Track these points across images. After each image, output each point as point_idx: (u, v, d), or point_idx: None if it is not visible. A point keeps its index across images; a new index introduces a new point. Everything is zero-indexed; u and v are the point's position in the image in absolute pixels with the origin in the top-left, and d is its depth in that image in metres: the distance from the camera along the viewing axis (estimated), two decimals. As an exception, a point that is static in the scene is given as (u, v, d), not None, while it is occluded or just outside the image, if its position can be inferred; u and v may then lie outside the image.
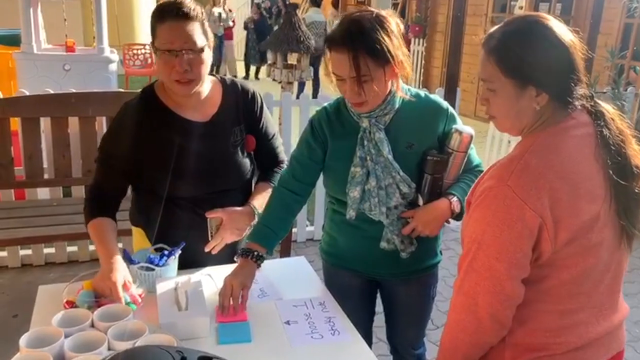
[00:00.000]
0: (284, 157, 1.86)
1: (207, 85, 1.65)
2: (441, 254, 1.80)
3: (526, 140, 1.20)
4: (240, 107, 1.71)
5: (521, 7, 7.64)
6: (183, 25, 1.49)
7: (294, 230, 3.76)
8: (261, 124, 1.76)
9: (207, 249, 1.67)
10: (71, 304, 1.43)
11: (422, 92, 1.66)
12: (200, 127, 1.64)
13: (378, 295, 1.89)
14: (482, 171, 1.65)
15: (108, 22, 4.62)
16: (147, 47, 9.59)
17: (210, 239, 1.67)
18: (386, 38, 1.44)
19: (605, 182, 1.16)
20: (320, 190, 3.95)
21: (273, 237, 1.63)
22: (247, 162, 1.73)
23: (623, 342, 1.31)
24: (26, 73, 4.19)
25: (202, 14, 1.55)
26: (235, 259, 1.59)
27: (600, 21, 4.91)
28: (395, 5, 9.70)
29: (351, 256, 1.73)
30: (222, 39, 10.96)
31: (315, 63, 9.76)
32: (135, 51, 9.24)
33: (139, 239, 1.78)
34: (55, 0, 5.76)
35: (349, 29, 1.45)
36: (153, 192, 1.65)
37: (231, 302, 1.47)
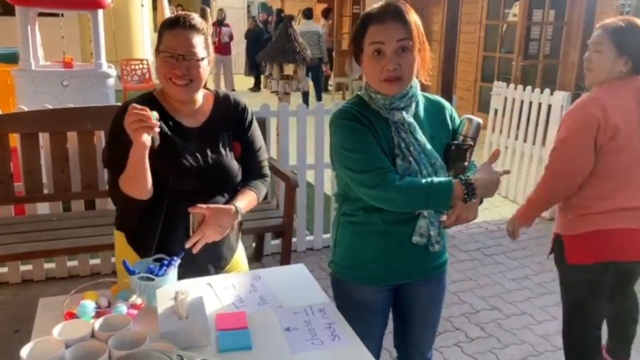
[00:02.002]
0: (268, 172, 1.91)
1: (200, 96, 1.75)
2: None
3: (600, 88, 2.08)
4: (230, 115, 1.80)
5: (515, 15, 7.70)
6: (189, 34, 1.62)
7: (293, 239, 3.76)
8: (249, 135, 1.83)
9: (187, 245, 1.65)
10: (72, 315, 1.43)
11: (426, 93, 1.73)
12: (193, 132, 1.72)
13: None
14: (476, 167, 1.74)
15: (105, 38, 4.66)
16: (145, 62, 9.66)
17: (191, 234, 1.65)
18: (420, 22, 1.55)
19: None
20: (319, 199, 3.97)
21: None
22: (235, 165, 1.78)
23: None
24: (25, 89, 4.22)
25: (208, 29, 1.67)
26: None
27: (593, 27, 4.95)
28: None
29: (376, 266, 1.69)
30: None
31: (311, 72, 9.93)
32: (132, 66, 9.30)
33: (120, 245, 1.80)
34: (53, 18, 5.81)
35: (398, 4, 1.53)
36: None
37: None
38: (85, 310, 1.43)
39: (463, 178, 1.53)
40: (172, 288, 1.56)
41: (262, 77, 11.67)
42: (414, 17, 1.53)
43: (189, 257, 1.67)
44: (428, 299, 1.82)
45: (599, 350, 2.34)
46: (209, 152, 1.72)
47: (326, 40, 11.35)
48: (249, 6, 17.09)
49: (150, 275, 1.57)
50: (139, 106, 1.47)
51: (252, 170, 1.85)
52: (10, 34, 5.23)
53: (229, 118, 1.79)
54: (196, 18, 1.65)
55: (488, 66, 8.12)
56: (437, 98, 1.74)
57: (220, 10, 12.07)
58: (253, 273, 1.82)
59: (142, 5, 11.10)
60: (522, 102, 5.04)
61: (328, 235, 4.06)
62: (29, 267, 3.38)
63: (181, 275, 1.67)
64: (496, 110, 5.38)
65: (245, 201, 1.76)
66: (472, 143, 1.66)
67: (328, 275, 3.47)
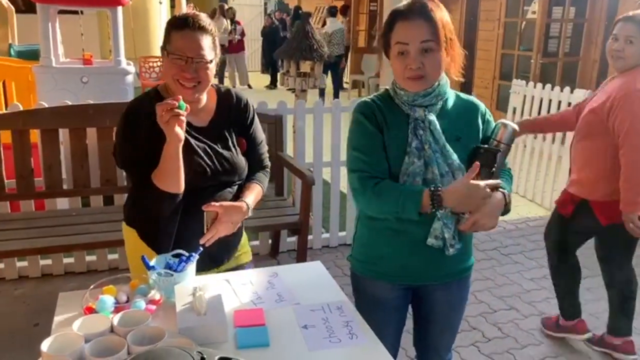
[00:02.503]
0: (269, 163, 1.97)
1: (204, 94, 1.76)
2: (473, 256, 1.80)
3: (632, 72, 2.39)
4: (232, 112, 1.82)
5: (534, 12, 7.60)
6: (198, 36, 1.62)
7: (309, 237, 3.76)
8: (251, 130, 1.87)
9: (201, 242, 1.70)
10: (91, 310, 1.45)
11: (461, 93, 1.69)
12: (202, 130, 1.75)
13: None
14: (511, 174, 1.74)
15: (124, 35, 4.69)
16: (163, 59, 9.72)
17: (205, 231, 1.71)
18: (449, 19, 1.55)
19: None
20: (335, 197, 3.96)
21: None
22: (243, 160, 1.82)
23: None
24: (45, 86, 4.26)
25: (215, 30, 1.67)
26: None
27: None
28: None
29: (390, 263, 1.68)
30: (227, 49, 11.22)
31: (331, 69, 9.98)
32: (151, 64, 9.36)
33: (133, 241, 1.81)
34: (73, 15, 5.87)
35: (424, 2, 1.52)
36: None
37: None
38: (104, 305, 1.44)
39: (432, 188, 1.50)
40: (191, 284, 1.57)
41: (278, 74, 11.69)
42: (441, 15, 1.52)
43: (204, 250, 1.71)
44: (447, 304, 1.78)
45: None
46: (219, 150, 1.75)
47: (346, 36, 11.40)
48: (265, 4, 17.12)
49: (168, 271, 1.58)
50: (166, 101, 1.51)
51: (255, 164, 1.89)
52: (32, 31, 5.29)
53: (232, 115, 1.82)
54: (204, 19, 1.65)
55: (506, 64, 8.03)
56: (471, 98, 1.69)
57: (230, 8, 12.11)
58: (270, 270, 1.82)
59: (160, 3, 11.19)
60: (541, 101, 4.97)
61: (344, 233, 4.06)
62: (49, 261, 3.42)
63: (197, 267, 1.69)
64: (515, 109, 5.32)
65: (253, 196, 1.83)
66: (499, 149, 1.60)
67: (344, 273, 3.50)
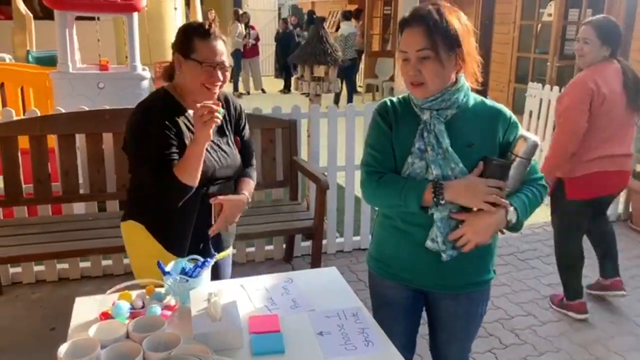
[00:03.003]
0: (255, 160, 2.12)
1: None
2: (494, 272, 1.74)
3: (590, 68, 2.84)
4: (230, 113, 1.99)
5: (550, 14, 7.54)
6: (220, 44, 1.81)
7: (323, 242, 3.75)
8: (244, 132, 2.04)
9: (211, 232, 1.89)
10: (107, 315, 1.45)
11: (488, 100, 1.67)
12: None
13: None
14: (544, 186, 1.67)
15: (140, 41, 4.73)
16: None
17: (213, 222, 1.88)
18: (457, 25, 1.52)
19: (621, 87, 2.82)
20: (349, 201, 3.95)
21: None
22: (239, 157, 1.97)
23: (626, 166, 2.97)
24: (62, 92, 4.31)
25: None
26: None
27: (633, 26, 4.81)
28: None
29: (398, 264, 1.70)
30: (240, 53, 11.38)
31: (347, 72, 10.02)
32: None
33: (140, 235, 1.87)
34: (90, 22, 5.94)
35: (425, 8, 1.53)
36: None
37: None
38: (120, 311, 1.44)
39: (436, 180, 1.53)
40: (206, 289, 1.57)
41: (292, 79, 11.73)
42: (446, 21, 1.50)
43: (209, 238, 1.89)
44: (454, 315, 1.76)
45: (583, 260, 3.18)
46: (222, 146, 1.90)
47: (359, 40, 11.42)
48: (279, 9, 17.19)
49: (184, 277, 1.58)
50: (208, 102, 1.67)
51: (246, 161, 2.04)
52: (49, 37, 5.36)
53: (230, 116, 1.98)
54: (217, 27, 1.83)
55: (522, 67, 7.97)
56: (496, 106, 1.65)
57: (245, 13, 12.20)
58: (285, 275, 1.81)
59: (175, 9, 11.24)
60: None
61: (358, 238, 4.04)
62: (65, 265, 3.45)
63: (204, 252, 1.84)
64: (531, 112, 5.27)
65: (249, 190, 2.01)
66: (507, 163, 1.55)
67: (359, 278, 3.48)
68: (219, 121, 1.69)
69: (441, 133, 1.55)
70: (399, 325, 1.77)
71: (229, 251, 2.11)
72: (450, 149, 1.55)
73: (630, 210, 4.68)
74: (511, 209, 1.55)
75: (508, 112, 1.65)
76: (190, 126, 1.81)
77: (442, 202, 1.52)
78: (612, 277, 3.29)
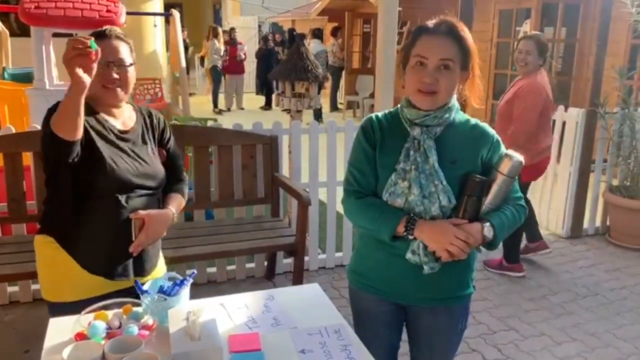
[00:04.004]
0: (186, 175, 2.07)
1: (127, 108, 1.88)
2: (474, 287, 1.74)
3: (532, 76, 3.50)
4: (152, 123, 1.93)
5: (525, 32, 7.69)
6: (121, 45, 1.78)
7: (305, 258, 3.72)
8: (169, 145, 1.98)
9: (131, 250, 1.78)
10: (82, 336, 1.41)
11: (473, 119, 1.68)
12: (123, 133, 1.80)
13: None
14: (523, 206, 1.68)
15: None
16: (157, 82, 9.75)
17: (133, 239, 1.77)
18: (472, 48, 1.57)
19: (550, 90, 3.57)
20: (331, 217, 3.94)
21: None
22: (162, 168, 1.90)
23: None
24: (38, 108, 4.23)
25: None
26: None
27: (607, 43, 4.92)
28: (400, 34, 9.83)
29: (377, 276, 1.69)
30: (218, 70, 11.58)
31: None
32: (145, 86, 9.38)
33: (51, 249, 1.76)
34: (67, 38, 5.88)
35: (452, 21, 1.55)
36: (82, 192, 1.72)
37: None
38: (96, 331, 1.40)
39: (412, 214, 1.55)
40: (184, 308, 1.53)
41: (273, 95, 11.78)
42: (467, 38, 1.55)
43: (130, 258, 1.79)
44: (432, 329, 1.74)
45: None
46: (141, 154, 1.82)
47: (338, 57, 11.55)
48: (259, 26, 17.28)
49: (162, 295, 1.54)
50: (79, 38, 1.46)
51: (174, 176, 1.99)
52: (25, 54, 5.29)
53: (152, 126, 1.92)
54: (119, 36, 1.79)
55: (500, 83, 8.09)
56: (482, 125, 1.67)
57: (232, 29, 12.26)
58: (266, 293, 1.78)
59: (155, 26, 11.24)
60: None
61: (340, 254, 4.02)
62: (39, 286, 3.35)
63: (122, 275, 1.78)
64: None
65: (177, 205, 1.94)
66: (487, 180, 1.56)
67: (341, 295, 3.46)
68: (93, 63, 1.47)
69: (430, 149, 1.56)
70: (379, 339, 1.76)
71: (159, 273, 1.93)
72: (436, 165, 1.55)
73: (608, 223, 4.74)
74: (487, 225, 1.55)
75: (492, 131, 1.67)
76: (98, 126, 1.72)
77: (411, 237, 1.55)
78: (537, 241, 4.10)
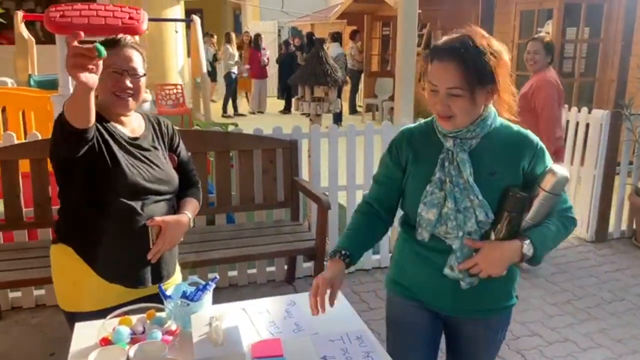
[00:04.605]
0: (198, 179, 2.07)
1: (136, 116, 1.88)
2: (517, 297, 1.69)
3: (542, 72, 3.78)
4: (161, 130, 1.93)
5: (548, 33, 7.60)
6: (134, 54, 1.77)
7: (325, 263, 3.71)
8: (179, 150, 1.98)
9: (149, 257, 1.78)
10: (107, 341, 1.43)
11: (515, 126, 1.60)
12: (134, 140, 1.80)
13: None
14: (572, 218, 1.59)
15: (141, 64, 4.75)
16: (179, 87, 9.86)
17: (151, 246, 1.77)
18: (492, 60, 1.45)
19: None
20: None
21: (356, 244, 1.66)
22: (174, 172, 1.90)
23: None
24: (63, 115, 4.32)
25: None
26: (325, 262, 1.64)
27: (632, 44, 4.83)
28: (420, 37, 9.78)
29: (416, 287, 1.67)
30: (232, 76, 11.65)
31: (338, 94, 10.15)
32: (167, 91, 9.49)
33: (68, 259, 1.76)
34: (91, 45, 5.98)
35: (458, 40, 1.46)
36: (96, 200, 1.71)
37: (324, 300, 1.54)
38: (120, 336, 1.42)
39: (343, 252, 1.63)
40: (207, 313, 1.54)
41: (293, 99, 11.87)
42: (480, 60, 1.43)
43: (148, 265, 1.79)
44: (472, 340, 1.72)
45: None
46: (153, 159, 1.82)
47: (357, 60, 11.56)
48: (279, 31, 17.35)
49: (185, 301, 1.56)
50: (83, 47, 1.35)
51: (187, 180, 1.99)
52: (51, 61, 5.40)
53: (160, 132, 1.92)
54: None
55: (521, 85, 7.99)
56: (524, 133, 1.58)
57: (258, 35, 12.41)
58: (287, 298, 1.79)
59: (176, 32, 11.38)
60: (558, 121, 4.93)
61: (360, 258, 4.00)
62: (66, 289, 3.41)
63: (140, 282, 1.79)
64: (531, 130, 5.27)
65: (193, 210, 1.94)
66: (532, 196, 1.48)
67: (362, 299, 3.45)
68: (93, 66, 1.38)
69: (463, 162, 1.51)
70: (417, 351, 1.72)
71: (176, 279, 1.95)
72: (471, 179, 1.50)
73: (634, 227, 4.65)
74: (527, 242, 1.49)
75: (535, 138, 1.58)
76: (108, 134, 1.72)
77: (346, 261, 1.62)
78: None
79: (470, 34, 1.47)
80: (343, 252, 1.61)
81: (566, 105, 4.93)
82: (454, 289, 1.58)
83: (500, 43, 1.51)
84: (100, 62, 1.39)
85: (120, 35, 1.76)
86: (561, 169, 1.49)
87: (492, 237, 1.52)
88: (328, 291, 1.53)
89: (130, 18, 4.15)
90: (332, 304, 1.54)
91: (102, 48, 1.35)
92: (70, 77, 3.87)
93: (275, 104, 13.00)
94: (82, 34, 1.35)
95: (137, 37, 1.78)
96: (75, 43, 1.34)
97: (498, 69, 1.47)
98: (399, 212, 1.73)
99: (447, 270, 1.56)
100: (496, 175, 1.52)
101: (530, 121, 3.55)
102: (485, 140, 1.54)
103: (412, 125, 1.69)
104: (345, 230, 1.72)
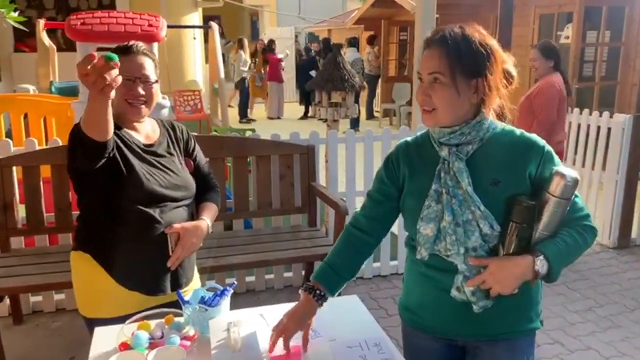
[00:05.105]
0: (216, 183, 2.07)
1: (150, 122, 1.88)
2: (541, 323, 1.56)
3: (545, 77, 3.91)
4: (176, 135, 1.93)
5: (567, 37, 7.51)
6: (146, 61, 1.77)
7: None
8: (195, 154, 1.98)
9: (169, 264, 1.77)
10: (126, 346, 1.43)
11: (519, 130, 1.47)
12: (149, 147, 1.80)
13: None
14: (590, 227, 1.43)
15: (160, 70, 4.80)
16: (197, 93, 9.95)
17: (170, 253, 1.77)
18: (482, 53, 1.36)
19: (565, 91, 3.96)
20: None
21: (335, 279, 1.57)
22: (191, 177, 1.89)
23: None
24: (84, 121, 4.38)
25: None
26: (299, 292, 1.57)
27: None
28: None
29: (426, 312, 1.54)
30: (245, 82, 11.74)
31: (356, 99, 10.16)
32: (185, 97, 9.58)
33: (87, 266, 1.77)
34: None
35: (448, 29, 1.39)
36: (113, 207, 1.71)
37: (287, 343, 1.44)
38: (139, 341, 1.42)
39: (310, 283, 1.57)
40: (225, 319, 1.54)
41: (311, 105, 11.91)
42: (468, 47, 1.35)
43: (168, 272, 1.79)
44: None
45: None
46: (169, 166, 1.81)
47: (374, 65, 11.55)
48: (296, 36, 17.44)
49: (203, 306, 1.56)
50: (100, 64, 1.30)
51: (205, 184, 1.98)
52: (71, 68, 5.49)
53: (176, 138, 1.92)
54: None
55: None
56: (528, 136, 1.45)
57: (271, 40, 12.48)
58: (305, 304, 1.77)
59: (195, 38, 11.49)
60: (579, 126, 4.86)
61: (378, 264, 3.99)
62: (85, 293, 3.44)
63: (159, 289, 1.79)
64: (551, 134, 5.21)
65: (211, 215, 1.93)
66: (540, 203, 1.35)
67: (379, 305, 3.42)
68: (112, 81, 1.33)
69: (460, 172, 1.39)
70: None
71: (195, 285, 1.94)
72: (469, 189, 1.37)
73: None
74: (540, 258, 1.35)
75: (541, 141, 1.44)
76: (122, 142, 1.71)
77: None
78: None
79: (465, 26, 1.39)
80: (318, 292, 1.52)
81: (576, 109, 4.88)
82: (467, 312, 1.44)
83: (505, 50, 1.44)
84: (116, 71, 1.35)
85: (132, 42, 1.75)
86: (569, 171, 1.36)
87: (501, 252, 1.39)
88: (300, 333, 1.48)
89: (150, 25, 4.20)
90: (305, 348, 1.46)
91: (113, 55, 1.32)
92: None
93: (293, 110, 13.02)
94: (95, 54, 1.31)
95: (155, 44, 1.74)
96: (94, 53, 1.31)
97: (489, 65, 1.36)
98: (405, 232, 1.60)
99: (454, 292, 1.43)
100: (500, 185, 1.39)
101: (529, 122, 3.76)
102: (484, 148, 1.42)
103: (410, 138, 1.58)
104: (327, 259, 1.63)
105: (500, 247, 1.39)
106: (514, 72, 1.46)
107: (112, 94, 1.37)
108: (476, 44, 1.36)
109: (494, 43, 1.40)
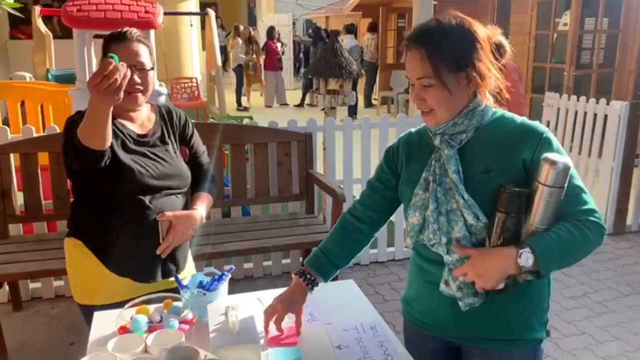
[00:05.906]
0: (213, 172, 2.04)
1: (146, 108, 1.85)
2: (547, 333, 1.44)
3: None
4: (172, 122, 1.90)
5: (566, 24, 7.49)
6: (141, 48, 1.76)
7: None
8: (192, 141, 1.95)
9: (159, 252, 1.77)
10: (125, 330, 1.45)
11: (520, 117, 1.39)
12: (142, 137, 1.78)
13: None
14: (592, 222, 1.28)
15: (156, 58, 4.79)
16: (194, 80, 9.91)
17: (161, 241, 1.77)
18: (465, 42, 1.30)
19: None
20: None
21: (327, 265, 1.57)
22: (186, 167, 1.87)
23: None
24: (81, 108, 4.37)
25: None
26: (292, 275, 1.58)
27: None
28: (435, 28, 9.71)
29: (420, 307, 1.52)
30: (242, 69, 11.70)
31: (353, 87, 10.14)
32: (182, 84, 9.55)
33: (80, 252, 1.78)
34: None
35: (424, 26, 1.34)
36: (105, 196, 1.71)
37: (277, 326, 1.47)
38: (138, 325, 1.44)
39: (301, 268, 1.56)
40: (223, 303, 1.56)
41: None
42: (449, 43, 1.29)
43: (158, 260, 1.79)
44: None
45: None
46: (162, 155, 1.80)
47: (374, 54, 11.51)
48: (294, 23, 17.35)
49: (201, 290, 1.58)
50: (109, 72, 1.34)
51: (201, 173, 1.96)
52: (68, 55, 5.46)
53: (172, 125, 1.89)
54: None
55: (538, 77, 7.91)
56: (529, 124, 1.36)
57: (272, 27, 12.37)
58: (302, 289, 1.79)
59: (191, 25, 11.43)
60: (576, 113, 4.87)
61: (375, 251, 4.01)
62: (84, 280, 3.46)
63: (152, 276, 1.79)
64: (548, 122, 5.22)
65: (205, 204, 1.91)
66: (529, 191, 1.25)
67: (376, 291, 3.45)
68: (120, 81, 1.37)
69: (449, 159, 1.33)
70: None
71: (187, 274, 1.87)
72: (454, 177, 1.31)
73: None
74: (526, 250, 1.22)
75: (541, 128, 1.34)
76: (116, 133, 1.70)
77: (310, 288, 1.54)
78: None
79: (440, 17, 1.34)
80: (309, 277, 1.53)
81: (573, 96, 4.88)
82: (454, 310, 1.37)
83: (483, 26, 1.36)
84: (122, 70, 1.38)
85: (126, 29, 1.73)
86: (558, 156, 1.25)
87: (487, 244, 1.31)
88: (292, 316, 1.49)
89: (146, 12, 4.18)
90: (298, 333, 1.47)
91: (113, 55, 1.38)
92: (87, 71, 3.84)
93: (292, 97, 12.98)
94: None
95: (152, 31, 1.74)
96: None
97: (476, 52, 1.30)
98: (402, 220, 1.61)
99: (442, 286, 1.37)
100: (492, 173, 1.31)
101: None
102: (479, 135, 1.36)
103: (414, 129, 1.55)
104: (321, 245, 1.63)
105: (486, 239, 1.31)
106: (504, 42, 1.39)
107: (121, 95, 1.41)
108: (455, 34, 1.30)
109: (473, 25, 1.33)
